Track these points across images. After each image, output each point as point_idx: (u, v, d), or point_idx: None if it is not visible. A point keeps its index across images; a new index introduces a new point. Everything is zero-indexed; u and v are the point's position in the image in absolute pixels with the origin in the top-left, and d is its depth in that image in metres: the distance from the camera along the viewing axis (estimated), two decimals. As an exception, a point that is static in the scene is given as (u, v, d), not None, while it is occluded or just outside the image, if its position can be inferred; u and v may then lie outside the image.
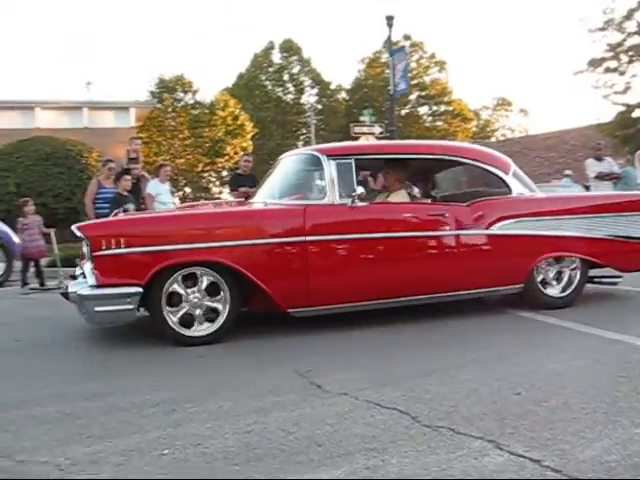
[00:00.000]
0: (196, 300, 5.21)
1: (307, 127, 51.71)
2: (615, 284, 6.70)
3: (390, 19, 20.44)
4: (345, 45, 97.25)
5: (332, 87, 55.34)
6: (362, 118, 24.21)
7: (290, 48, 52.97)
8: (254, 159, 11.95)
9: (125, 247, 5.07)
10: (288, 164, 6.60)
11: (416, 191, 7.06)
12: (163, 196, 9.79)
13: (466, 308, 6.26)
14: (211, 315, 5.28)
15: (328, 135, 47.19)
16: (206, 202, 8.40)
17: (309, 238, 5.43)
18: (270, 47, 53.07)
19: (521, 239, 6.11)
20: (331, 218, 5.67)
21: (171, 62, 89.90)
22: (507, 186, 6.29)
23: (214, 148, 40.28)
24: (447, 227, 5.88)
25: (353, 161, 5.75)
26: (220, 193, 42.82)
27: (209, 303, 5.25)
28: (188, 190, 41.95)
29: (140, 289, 5.03)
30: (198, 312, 5.22)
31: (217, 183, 43.97)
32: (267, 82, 52.79)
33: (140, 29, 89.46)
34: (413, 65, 49.27)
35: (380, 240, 5.72)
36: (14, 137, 19.56)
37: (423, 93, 52.58)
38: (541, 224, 6.20)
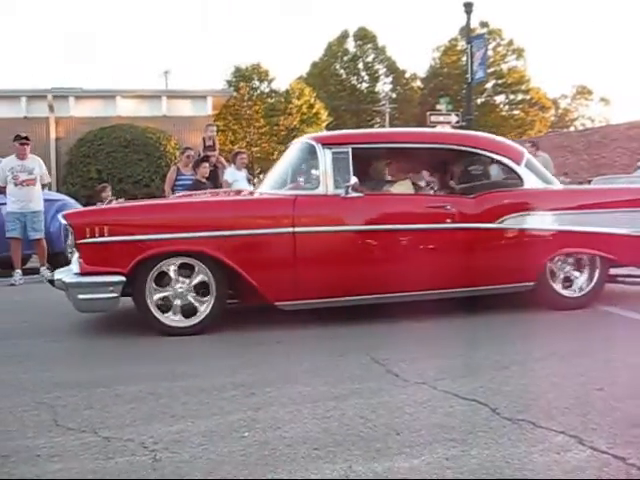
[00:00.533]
0: (181, 291, 5.19)
1: (381, 116, 51.53)
2: (639, 284, 6.39)
3: (469, 6, 20.06)
4: (420, 33, 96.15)
5: (407, 75, 54.93)
6: (438, 106, 23.99)
7: (364, 36, 52.76)
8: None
9: (109, 236, 5.09)
10: (288, 153, 6.38)
11: (424, 182, 6.61)
12: (240, 183, 9.89)
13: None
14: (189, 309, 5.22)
15: (402, 124, 46.84)
16: (205, 192, 8.26)
17: (298, 229, 5.26)
18: (344, 35, 52.97)
19: (531, 234, 5.75)
20: (322, 209, 5.47)
21: (247, 51, 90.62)
22: (519, 177, 5.93)
23: (289, 136, 40.51)
24: (448, 220, 5.55)
25: (350, 150, 5.52)
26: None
27: (191, 299, 5.19)
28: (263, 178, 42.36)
29: (123, 278, 5.04)
30: (177, 302, 5.18)
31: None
32: (341, 71, 52.75)
33: (217, 18, 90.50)
34: (490, 53, 48.27)
35: (374, 233, 5.49)
36: (96, 125, 20.06)
37: (500, 81, 51.51)
38: (554, 218, 5.80)
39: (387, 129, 7.86)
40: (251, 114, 40.58)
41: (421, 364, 4.11)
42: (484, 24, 47.94)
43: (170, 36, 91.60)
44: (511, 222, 5.66)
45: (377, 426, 3.04)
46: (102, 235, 5.07)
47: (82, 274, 5.09)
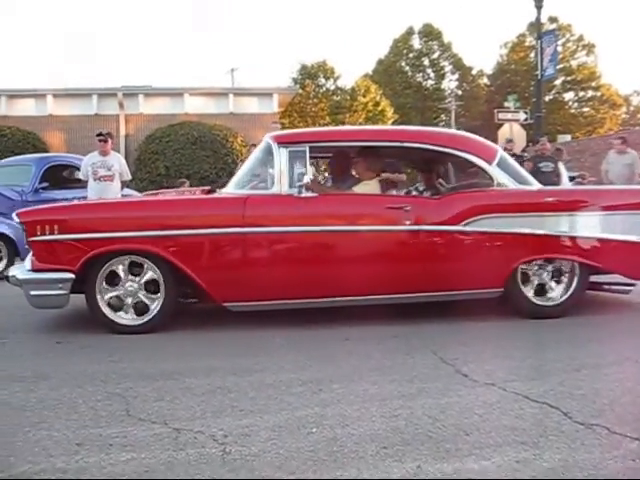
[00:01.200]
0: (131, 289, 5.19)
1: (447, 113, 51.00)
2: (627, 292, 5.88)
3: (539, 0, 19.66)
4: (487, 29, 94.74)
5: (473, 72, 54.21)
6: (506, 104, 23.58)
7: (430, 33, 52.28)
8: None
9: (58, 233, 5.11)
10: (253, 152, 6.12)
11: (390, 182, 6.34)
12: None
13: (610, 303, 5.97)
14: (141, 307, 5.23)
15: (468, 122, 46.32)
16: (168, 191, 8.23)
17: (247, 230, 5.18)
18: (410, 32, 52.60)
19: (497, 238, 5.41)
20: (274, 209, 5.35)
21: (313, 48, 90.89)
22: (490, 177, 5.63)
23: (354, 134, 40.52)
24: (407, 222, 5.30)
25: (307, 148, 5.41)
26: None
27: (142, 297, 5.20)
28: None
29: (72, 275, 5.05)
30: (129, 301, 5.20)
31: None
32: (407, 68, 52.40)
33: (284, 16, 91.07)
34: (559, 49, 47.29)
35: (327, 234, 5.32)
36: (164, 122, 20.48)
37: (569, 78, 50.28)
38: (525, 221, 5.46)
39: (350, 127, 7.24)
40: (316, 111, 40.69)
41: (490, 365, 4.05)
42: (553, 19, 46.85)
43: (237, 34, 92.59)
44: (476, 225, 5.37)
45: (446, 426, 3.01)
46: (52, 233, 5.12)
47: (34, 271, 5.16)
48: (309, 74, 43.04)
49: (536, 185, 5.88)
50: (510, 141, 13.97)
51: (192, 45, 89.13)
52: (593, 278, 5.75)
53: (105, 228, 5.16)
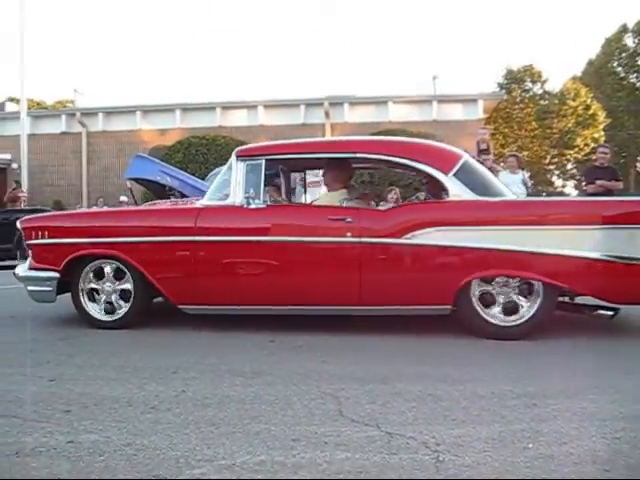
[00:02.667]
0: (109, 288, 5.78)
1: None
2: (611, 317, 5.21)
3: None
4: None
5: (698, 72, 49.85)
6: None
7: (645, 30, 48.75)
8: (606, 151, 11.19)
9: (48, 238, 5.90)
10: (226, 165, 6.03)
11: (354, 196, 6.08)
12: (512, 187, 9.66)
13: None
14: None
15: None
16: (164, 201, 8.77)
17: (198, 238, 5.50)
18: (622, 30, 49.39)
19: (444, 251, 5.13)
20: (224, 220, 5.62)
21: (518, 52, 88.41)
22: (444, 188, 5.32)
23: (563, 139, 38.82)
24: (348, 233, 5.22)
25: (263, 162, 5.57)
26: (563, 187, 41.13)
27: (119, 287, 5.78)
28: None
29: (57, 274, 5.79)
30: (114, 297, 5.79)
31: (562, 176, 42.33)
32: (619, 68, 49.29)
33: (485, 20, 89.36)
34: None
35: (270, 244, 5.46)
36: (368, 130, 20.85)
37: None
38: (477, 235, 5.08)
39: (306, 140, 6.98)
40: (522, 117, 39.49)
41: None
42: None
43: (438, 41, 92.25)
44: (421, 238, 5.12)
45: (678, 454, 2.77)
46: (43, 237, 5.93)
47: (31, 269, 5.98)
48: (515, 78, 41.82)
49: (506, 197, 5.49)
50: None
51: (393, 53, 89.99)
52: (579, 299, 5.42)
53: (80, 234, 5.90)
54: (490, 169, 9.84)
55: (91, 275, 5.83)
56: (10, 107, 28.85)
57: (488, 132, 11.92)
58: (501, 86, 40.64)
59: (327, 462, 2.72)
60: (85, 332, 5.69)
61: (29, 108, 25.82)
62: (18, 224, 6.25)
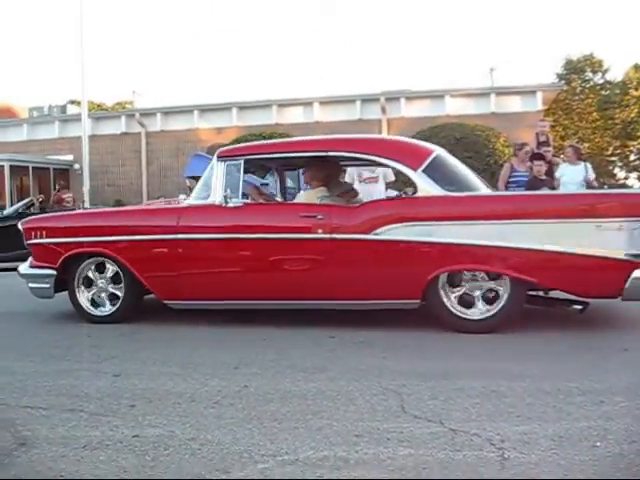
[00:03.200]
0: (102, 285, 6.07)
1: None
2: (580, 311, 5.23)
3: None
4: None
5: None
6: None
7: None
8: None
9: (45, 238, 6.23)
10: (209, 165, 6.19)
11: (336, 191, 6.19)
12: (568, 177, 9.45)
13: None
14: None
15: None
16: (158, 200, 9.36)
17: (180, 236, 5.71)
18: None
19: (412, 246, 5.18)
20: (204, 218, 5.84)
21: (578, 42, 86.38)
22: (413, 184, 5.39)
23: (625, 130, 37.77)
24: (319, 230, 5.34)
25: (242, 162, 5.78)
26: (626, 179, 40.05)
27: (112, 289, 6.06)
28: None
29: (54, 272, 6.11)
30: (103, 295, 6.09)
31: (624, 168, 41.23)
32: (687, 55, 47.76)
33: (542, 10, 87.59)
34: None
35: (246, 241, 5.65)
36: (425, 124, 20.66)
37: None
38: (444, 230, 5.14)
39: (285, 139, 7.35)
40: (583, 108, 38.59)
41: None
42: None
43: (494, 32, 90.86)
44: (389, 233, 5.21)
45: None
46: (41, 237, 6.26)
47: (31, 267, 6.34)
48: (575, 68, 40.84)
49: (477, 191, 5.55)
50: None
51: (449, 46, 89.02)
52: (553, 294, 5.46)
53: (74, 234, 6.19)
54: (550, 162, 9.67)
55: (85, 272, 6.13)
56: (71, 109, 29.53)
57: (548, 124, 11.64)
58: (560, 77, 39.75)
59: (390, 458, 2.71)
60: (148, 327, 5.83)
61: (90, 110, 26.43)
62: (19, 225, 6.60)
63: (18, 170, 24.71)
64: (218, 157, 5.90)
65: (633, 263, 4.81)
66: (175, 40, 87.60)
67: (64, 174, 25.93)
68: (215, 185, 5.78)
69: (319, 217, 5.40)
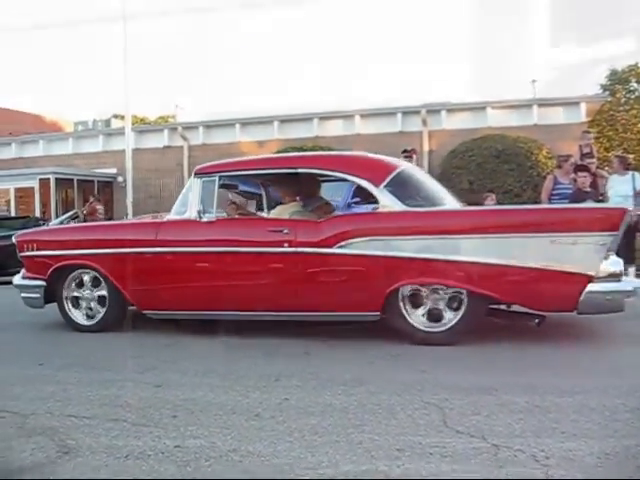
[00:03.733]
0: (88, 295, 6.35)
1: None
2: (537, 324, 5.26)
3: None
4: None
5: None
6: None
7: None
8: None
9: (35, 250, 6.58)
10: (188, 181, 6.49)
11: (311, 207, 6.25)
12: (617, 189, 9.27)
13: None
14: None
15: None
16: (146, 215, 9.48)
17: (158, 249, 5.96)
18: None
19: (370, 260, 5.29)
20: (180, 233, 6.03)
21: (625, 51, 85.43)
22: (375, 199, 5.50)
23: (672, 141, 37.03)
24: (285, 244, 5.51)
25: (217, 178, 6.02)
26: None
27: (97, 294, 6.32)
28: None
29: (44, 283, 6.45)
30: (93, 304, 6.34)
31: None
32: None
33: (587, 19, 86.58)
34: None
35: (217, 254, 5.82)
36: (467, 136, 20.50)
37: None
38: (404, 244, 5.23)
39: (258, 156, 7.94)
40: (628, 119, 37.98)
41: None
42: None
43: (535, 44, 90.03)
44: (350, 247, 5.35)
45: None
46: (32, 250, 6.61)
47: (24, 278, 6.71)
48: (619, 79, 40.29)
49: (441, 206, 5.63)
50: None
51: (489, 58, 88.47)
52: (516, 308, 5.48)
53: (61, 247, 6.48)
54: (594, 174, 9.52)
55: (73, 283, 6.42)
56: (115, 123, 30.01)
57: (592, 136, 11.47)
58: (604, 87, 39.22)
59: (432, 474, 2.69)
60: (189, 338, 5.88)
61: (133, 124, 26.79)
62: (13, 238, 6.91)
63: (63, 183, 25.12)
64: (195, 174, 6.17)
65: (587, 277, 4.91)
66: (217, 53, 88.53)
67: (108, 187, 26.33)
68: (191, 201, 6.01)
69: (285, 232, 5.58)
